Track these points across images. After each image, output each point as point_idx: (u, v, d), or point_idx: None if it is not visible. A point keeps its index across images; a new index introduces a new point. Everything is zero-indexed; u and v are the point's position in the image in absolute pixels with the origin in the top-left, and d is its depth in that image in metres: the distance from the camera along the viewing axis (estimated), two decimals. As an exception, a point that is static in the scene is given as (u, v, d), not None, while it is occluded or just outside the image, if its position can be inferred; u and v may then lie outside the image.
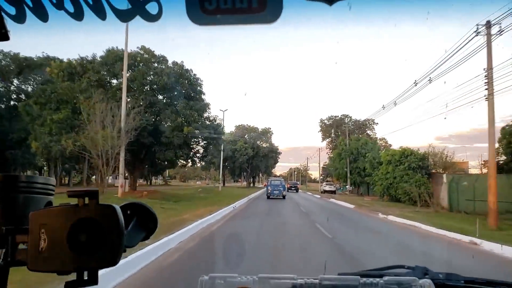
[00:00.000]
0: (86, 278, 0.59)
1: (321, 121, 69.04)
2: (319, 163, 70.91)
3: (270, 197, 29.80)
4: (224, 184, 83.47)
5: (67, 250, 0.58)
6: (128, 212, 0.73)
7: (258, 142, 75.31)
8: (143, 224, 0.74)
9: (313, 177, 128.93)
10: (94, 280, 0.59)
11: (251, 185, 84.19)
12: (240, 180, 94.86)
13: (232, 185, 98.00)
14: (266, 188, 33.75)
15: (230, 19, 0.71)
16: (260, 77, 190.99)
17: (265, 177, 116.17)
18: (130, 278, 5.27)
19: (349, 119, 65.38)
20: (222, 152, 44.17)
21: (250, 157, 69.27)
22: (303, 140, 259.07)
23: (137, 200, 0.77)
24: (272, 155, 79.11)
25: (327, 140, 67.51)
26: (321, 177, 72.76)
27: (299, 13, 0.73)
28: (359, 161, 41.79)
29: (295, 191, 52.05)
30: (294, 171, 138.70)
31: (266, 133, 76.31)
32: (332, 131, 66.36)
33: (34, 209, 0.63)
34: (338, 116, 66.99)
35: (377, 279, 1.08)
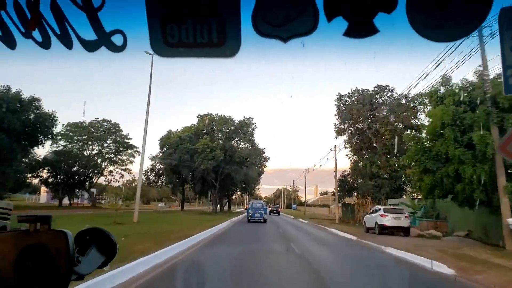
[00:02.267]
0: None
1: (339, 98, 38.14)
2: (335, 170, 38.61)
3: (251, 220, 28.65)
4: (182, 207, 57.30)
5: (12, 278, 0.54)
6: (87, 238, 0.67)
7: (233, 141, 48.54)
8: (102, 250, 0.68)
9: (302, 199, 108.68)
10: None
11: (222, 208, 56.61)
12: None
13: (196, 208, 69.89)
14: (247, 211, 32.28)
15: (191, 52, 0.74)
16: (238, 106, 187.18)
17: (246, 198, 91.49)
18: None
19: (389, 92, 36.62)
20: (143, 152, 24.40)
21: (220, 164, 43.60)
22: (290, 162, 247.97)
23: (96, 226, 0.70)
24: (255, 161, 50.53)
25: (347, 133, 38.33)
26: (336, 194, 40.31)
27: (257, 49, 0.79)
28: None
29: (276, 214, 53.60)
30: (283, 192, 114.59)
31: (246, 127, 48.52)
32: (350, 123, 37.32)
33: None
34: (368, 90, 37.07)
35: None
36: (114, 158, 52.17)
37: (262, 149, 52.77)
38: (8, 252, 0.54)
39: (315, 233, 21.51)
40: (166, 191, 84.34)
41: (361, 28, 0.71)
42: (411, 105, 32.22)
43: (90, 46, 0.73)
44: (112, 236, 0.69)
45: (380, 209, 20.86)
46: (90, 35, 0.73)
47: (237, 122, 49.06)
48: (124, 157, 52.54)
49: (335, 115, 39.07)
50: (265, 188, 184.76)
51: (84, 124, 48.95)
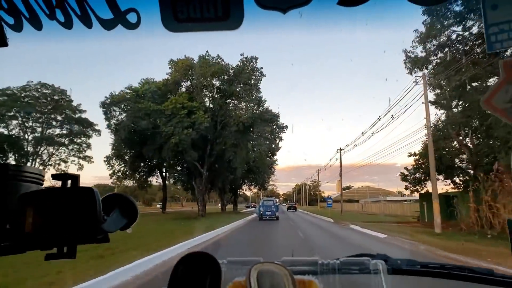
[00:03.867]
0: (65, 252, 0.65)
1: None
2: (428, 118, 19.78)
3: (263, 218, 28.49)
4: (164, 208, 40.69)
5: (49, 228, 0.63)
6: (111, 202, 0.76)
7: (229, 103, 30.93)
8: (124, 213, 0.77)
9: (325, 194, 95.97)
10: (72, 254, 0.66)
11: (224, 207, 44.87)
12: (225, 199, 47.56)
13: (193, 209, 42.40)
14: (258, 209, 31.76)
15: (199, 27, 0.82)
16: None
17: (262, 194, 79.00)
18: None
19: None
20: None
21: (206, 136, 27.97)
22: (306, 157, 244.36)
23: (119, 192, 0.80)
24: (264, 131, 33.10)
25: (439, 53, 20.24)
26: (433, 170, 19.06)
27: (259, 20, 0.85)
28: None
29: (293, 210, 56.61)
30: (303, 187, 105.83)
31: (246, 75, 29.65)
32: None
33: None
34: None
35: (335, 260, 1.21)
36: (65, 141, 36.50)
37: (276, 112, 33.47)
38: (44, 206, 0.63)
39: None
40: (174, 190, 68.89)
41: None
42: None
43: (107, 25, 0.81)
44: (134, 202, 0.78)
45: None
46: (107, 14, 0.82)
47: (232, 67, 30.04)
48: (79, 140, 37.27)
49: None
50: (282, 186, 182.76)
51: (15, 92, 32.87)
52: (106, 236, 0.68)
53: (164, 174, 39.80)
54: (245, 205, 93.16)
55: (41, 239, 0.64)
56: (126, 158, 35.99)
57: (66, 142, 36.61)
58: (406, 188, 28.55)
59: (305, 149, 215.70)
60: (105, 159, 37.11)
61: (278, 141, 37.12)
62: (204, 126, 26.52)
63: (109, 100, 31.52)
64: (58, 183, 0.68)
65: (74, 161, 37.42)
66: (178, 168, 35.65)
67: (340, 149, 45.39)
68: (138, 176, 38.94)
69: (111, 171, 37.20)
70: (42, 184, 0.73)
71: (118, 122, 31.42)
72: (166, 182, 41.95)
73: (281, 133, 35.78)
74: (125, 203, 0.77)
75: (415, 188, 27.04)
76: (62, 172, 0.68)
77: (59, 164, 36.81)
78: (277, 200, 41.42)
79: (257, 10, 0.79)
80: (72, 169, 37.16)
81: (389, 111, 26.08)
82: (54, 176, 0.67)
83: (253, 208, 72.59)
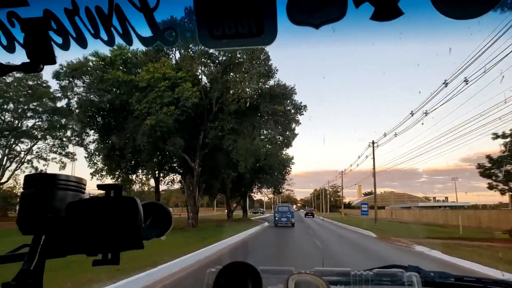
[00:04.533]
0: (109, 258, 0.69)
1: None
2: None
3: (278, 224, 28.44)
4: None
5: (95, 235, 0.68)
6: (146, 210, 0.77)
7: (227, 74, 21.90)
8: (159, 221, 0.81)
9: (346, 200, 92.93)
10: (116, 260, 0.70)
11: (230, 214, 38.22)
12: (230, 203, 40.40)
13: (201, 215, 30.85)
14: (273, 216, 31.25)
15: (234, 43, 0.85)
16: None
17: (279, 199, 78.73)
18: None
19: None
20: None
21: (200, 120, 22.22)
22: (323, 164, 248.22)
23: (154, 200, 0.84)
24: (277, 113, 23.16)
25: None
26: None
27: (292, 35, 0.86)
28: None
29: (311, 216, 57.45)
30: (323, 192, 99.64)
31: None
32: None
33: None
34: None
35: (368, 271, 1.21)
36: (43, 135, 30.88)
37: (290, 86, 24.13)
38: (91, 214, 0.69)
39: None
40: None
41: (386, 12, 0.77)
42: None
43: (147, 42, 0.86)
44: (169, 210, 0.84)
45: None
46: (147, 32, 0.86)
47: None
48: (59, 134, 31.64)
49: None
50: (300, 191, 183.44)
51: None
52: (141, 242, 0.71)
53: (157, 172, 29.30)
54: (252, 211, 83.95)
55: (87, 245, 0.68)
56: (89, 148, 26.49)
57: (45, 135, 31.19)
58: (491, 187, 20.20)
59: (323, 154, 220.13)
60: (86, 155, 27.39)
61: (293, 125, 26.30)
62: (192, 102, 19.27)
63: (64, 69, 22.47)
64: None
65: (55, 158, 32.33)
66: (171, 165, 28.02)
67: (373, 142, 37.92)
68: (119, 174, 27.93)
69: (93, 170, 26.94)
70: (84, 192, 0.78)
71: (79, 100, 23.28)
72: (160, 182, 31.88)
73: (298, 115, 25.40)
74: (160, 211, 0.82)
75: (507, 187, 19.35)
76: (109, 184, 0.73)
77: (37, 162, 31.47)
78: (294, 206, 42.14)
79: (290, 26, 0.81)
80: (52, 168, 32.48)
81: (461, 72, 18.70)
82: (99, 187, 0.72)
83: (262, 215, 68.16)
